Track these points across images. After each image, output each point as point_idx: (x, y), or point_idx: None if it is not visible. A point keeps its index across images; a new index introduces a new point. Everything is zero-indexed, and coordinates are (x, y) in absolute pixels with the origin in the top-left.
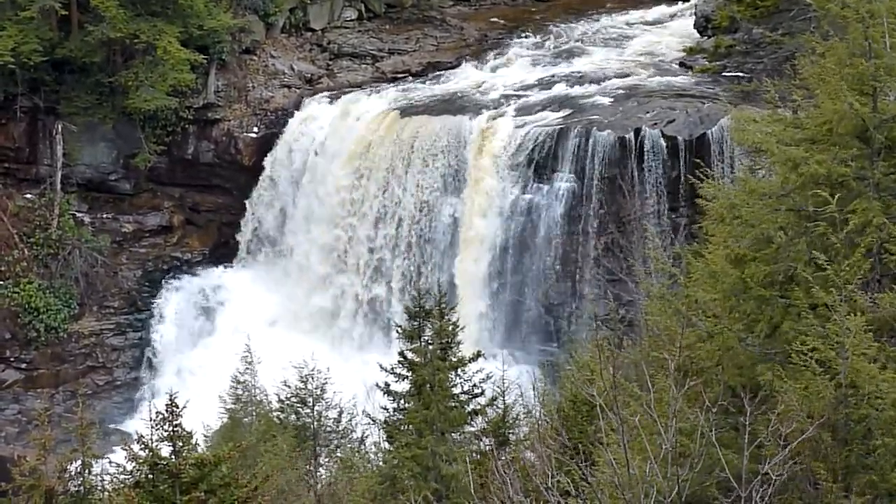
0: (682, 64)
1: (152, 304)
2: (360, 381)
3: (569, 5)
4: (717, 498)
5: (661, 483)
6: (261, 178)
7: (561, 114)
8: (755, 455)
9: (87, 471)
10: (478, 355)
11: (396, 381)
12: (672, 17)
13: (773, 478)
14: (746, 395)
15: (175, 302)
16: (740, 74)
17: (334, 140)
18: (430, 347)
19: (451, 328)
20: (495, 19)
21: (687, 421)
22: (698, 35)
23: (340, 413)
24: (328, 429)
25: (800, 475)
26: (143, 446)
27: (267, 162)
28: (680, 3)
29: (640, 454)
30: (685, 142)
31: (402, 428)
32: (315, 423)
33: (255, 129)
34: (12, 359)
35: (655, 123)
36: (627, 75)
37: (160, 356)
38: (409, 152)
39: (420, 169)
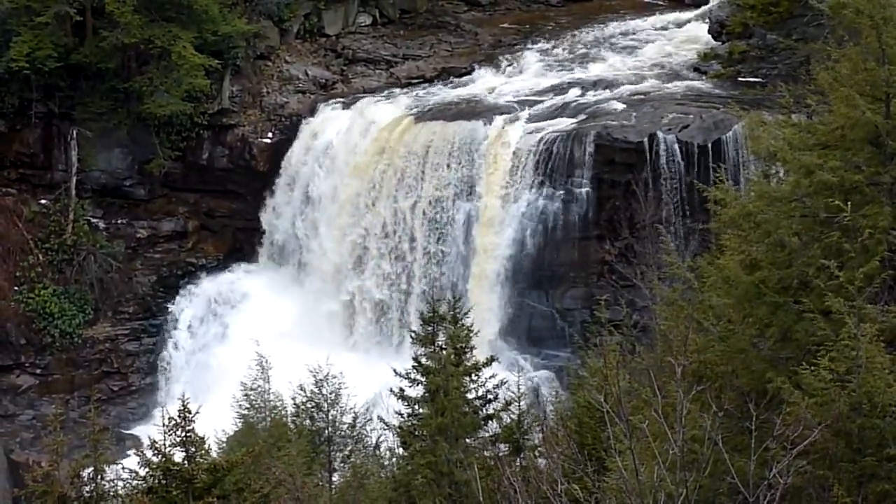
0: (696, 69)
1: (167, 309)
2: (373, 387)
3: (583, 11)
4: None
5: (670, 489)
6: (275, 183)
7: (575, 119)
8: (766, 461)
9: (99, 476)
10: (491, 360)
11: (410, 386)
12: (686, 22)
13: (781, 482)
14: (755, 400)
15: (190, 307)
16: (755, 80)
17: (348, 145)
18: (444, 352)
19: (464, 333)
20: (509, 25)
21: (697, 427)
22: (712, 40)
23: (355, 418)
24: (342, 434)
25: (812, 482)
26: (156, 452)
27: (281, 168)
28: (694, 8)
29: (651, 460)
30: (700, 147)
31: (416, 433)
32: (329, 428)
33: (270, 135)
34: (27, 364)
35: (670, 129)
36: (642, 80)
37: (175, 361)
38: (424, 158)
39: (434, 174)
